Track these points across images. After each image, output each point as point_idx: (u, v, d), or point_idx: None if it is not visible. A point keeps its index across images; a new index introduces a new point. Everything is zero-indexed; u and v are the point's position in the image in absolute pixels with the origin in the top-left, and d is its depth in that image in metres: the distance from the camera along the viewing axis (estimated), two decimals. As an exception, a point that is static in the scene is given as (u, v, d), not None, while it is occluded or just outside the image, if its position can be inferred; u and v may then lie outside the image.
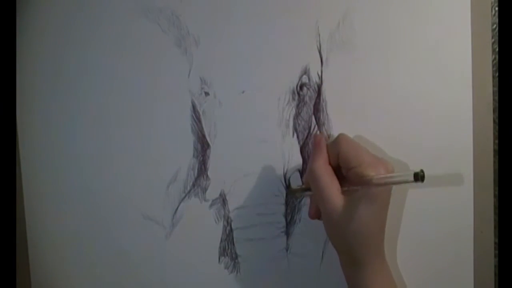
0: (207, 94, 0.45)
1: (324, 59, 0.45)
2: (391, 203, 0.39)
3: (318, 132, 0.45)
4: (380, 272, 0.39)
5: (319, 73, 0.45)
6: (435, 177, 0.44)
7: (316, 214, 0.42)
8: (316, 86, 0.45)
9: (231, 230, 0.46)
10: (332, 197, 0.38)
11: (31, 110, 0.47)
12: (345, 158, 0.39)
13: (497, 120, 0.44)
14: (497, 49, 0.43)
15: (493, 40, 0.44)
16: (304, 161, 0.46)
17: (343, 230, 0.38)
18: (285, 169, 0.45)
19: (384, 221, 0.39)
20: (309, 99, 0.45)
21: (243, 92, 0.45)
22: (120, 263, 0.47)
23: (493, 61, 0.44)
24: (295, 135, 0.45)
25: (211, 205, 0.46)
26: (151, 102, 0.46)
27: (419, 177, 0.33)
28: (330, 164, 0.40)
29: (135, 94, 0.46)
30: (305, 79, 0.45)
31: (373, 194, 0.37)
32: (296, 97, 0.45)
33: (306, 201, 0.46)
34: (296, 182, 0.45)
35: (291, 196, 0.45)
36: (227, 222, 0.46)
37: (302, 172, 0.46)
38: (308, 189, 0.42)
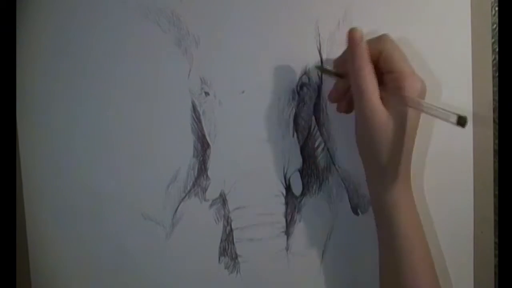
0: (207, 94, 0.45)
1: (324, 59, 0.45)
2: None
3: (316, 129, 0.45)
4: (407, 194, 0.38)
5: (319, 73, 0.45)
6: (435, 177, 0.44)
7: (336, 99, 0.42)
8: (316, 86, 0.45)
9: (231, 230, 0.46)
10: (375, 104, 0.36)
11: (31, 110, 0.47)
12: (388, 59, 0.37)
13: (497, 120, 0.44)
14: (497, 49, 0.43)
15: (493, 40, 0.44)
16: (304, 161, 0.46)
17: (380, 137, 0.37)
18: (285, 169, 0.45)
19: (413, 145, 0.38)
20: (309, 99, 0.45)
21: (243, 92, 0.45)
22: (120, 263, 0.47)
23: (493, 61, 0.44)
24: (295, 135, 0.45)
25: (211, 205, 0.46)
26: (151, 102, 0.46)
27: (462, 121, 0.31)
28: None
29: (135, 94, 0.46)
30: (305, 79, 0.45)
31: (407, 111, 0.36)
32: (296, 97, 0.45)
33: (306, 201, 0.46)
34: (296, 182, 0.45)
35: (318, 69, 0.44)
36: (227, 222, 0.46)
37: (302, 172, 0.46)
38: (339, 75, 0.40)
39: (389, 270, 0.39)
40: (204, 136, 0.46)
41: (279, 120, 0.45)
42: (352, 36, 0.38)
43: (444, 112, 0.33)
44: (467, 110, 0.44)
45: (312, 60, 0.45)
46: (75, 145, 0.47)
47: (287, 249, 0.46)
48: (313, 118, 0.46)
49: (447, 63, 0.44)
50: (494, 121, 0.44)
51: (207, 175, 0.46)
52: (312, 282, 0.46)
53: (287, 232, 0.46)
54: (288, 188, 0.45)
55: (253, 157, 0.45)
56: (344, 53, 0.41)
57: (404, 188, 0.39)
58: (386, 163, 0.37)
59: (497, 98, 0.43)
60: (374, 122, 0.37)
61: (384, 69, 0.38)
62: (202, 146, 0.46)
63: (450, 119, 0.32)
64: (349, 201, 0.46)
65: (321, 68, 0.44)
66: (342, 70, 0.41)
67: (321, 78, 0.45)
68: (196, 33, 0.45)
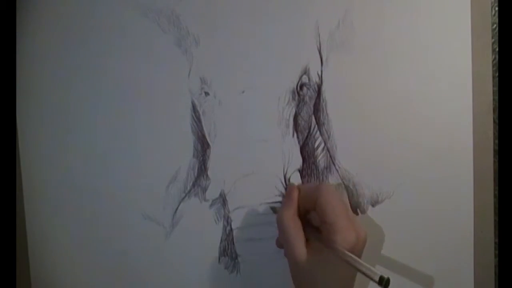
0: (207, 94, 0.45)
1: (324, 59, 0.45)
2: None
3: (317, 130, 0.45)
4: None
5: (319, 73, 0.45)
6: (435, 177, 0.44)
7: (281, 245, 0.43)
8: (316, 86, 0.45)
9: (231, 230, 0.46)
10: (297, 250, 0.38)
11: (31, 110, 0.47)
12: (321, 209, 0.38)
13: (497, 120, 0.44)
14: (497, 49, 0.43)
15: (493, 40, 0.44)
16: (304, 161, 0.46)
17: (303, 279, 0.38)
18: (285, 169, 0.45)
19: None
20: (309, 99, 0.45)
21: (243, 92, 0.45)
22: (120, 263, 0.47)
23: (493, 61, 0.44)
24: (295, 135, 0.45)
25: (211, 205, 0.46)
26: (151, 102, 0.46)
27: (383, 282, 0.33)
28: (301, 210, 0.41)
29: (135, 94, 0.46)
30: (305, 79, 0.45)
31: (335, 262, 0.37)
32: (296, 97, 0.45)
33: (306, 201, 0.46)
34: (296, 182, 0.45)
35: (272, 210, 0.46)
36: (227, 222, 0.46)
37: (302, 172, 0.46)
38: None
39: None
40: (204, 136, 0.46)
41: (279, 120, 0.45)
42: (288, 188, 0.43)
43: (369, 271, 0.34)
44: (467, 110, 0.44)
45: (312, 60, 0.45)
46: (75, 145, 0.47)
47: (287, 249, 0.46)
48: (313, 118, 0.46)
49: (447, 63, 0.44)
50: (494, 121, 0.44)
51: (207, 175, 0.46)
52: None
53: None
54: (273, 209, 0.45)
55: (253, 157, 0.45)
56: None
57: None
58: None
59: (497, 98, 0.43)
60: (295, 269, 0.39)
61: (319, 217, 0.39)
62: (202, 146, 0.46)
63: (374, 277, 0.33)
64: (349, 201, 0.46)
65: (274, 210, 0.45)
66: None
67: (321, 78, 0.45)
68: (196, 33, 0.45)
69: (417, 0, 0.44)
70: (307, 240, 0.39)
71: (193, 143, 0.46)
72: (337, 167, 0.46)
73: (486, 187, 0.44)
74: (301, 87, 0.45)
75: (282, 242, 0.41)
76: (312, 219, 0.41)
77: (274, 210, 0.45)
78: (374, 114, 0.45)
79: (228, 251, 0.46)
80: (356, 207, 0.46)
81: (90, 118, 0.47)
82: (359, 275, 0.36)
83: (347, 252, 0.36)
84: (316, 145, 0.46)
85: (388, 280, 0.33)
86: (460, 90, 0.44)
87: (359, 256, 0.37)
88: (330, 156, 0.46)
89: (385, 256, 0.45)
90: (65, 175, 0.47)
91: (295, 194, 0.41)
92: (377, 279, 0.33)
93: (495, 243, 0.44)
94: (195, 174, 0.46)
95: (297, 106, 0.45)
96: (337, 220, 0.37)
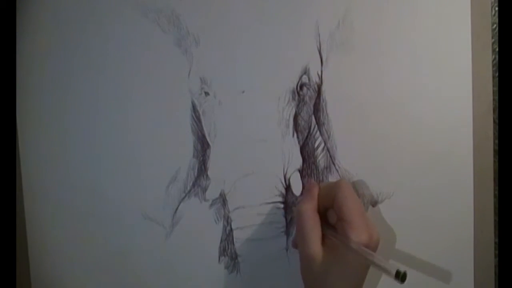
0: (207, 94, 0.45)
1: (324, 59, 0.45)
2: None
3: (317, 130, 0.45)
4: None
5: (319, 73, 0.45)
6: (435, 177, 0.44)
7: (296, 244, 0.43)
8: (316, 86, 0.45)
9: (231, 230, 0.46)
10: (313, 246, 0.38)
11: (31, 110, 0.47)
12: (339, 206, 0.38)
13: (497, 120, 0.44)
14: (497, 49, 0.43)
15: (493, 40, 0.44)
16: (304, 161, 0.46)
17: (315, 279, 0.38)
18: (285, 169, 0.45)
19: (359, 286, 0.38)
20: (309, 99, 0.45)
21: (243, 92, 0.45)
22: (120, 263, 0.47)
23: (493, 61, 0.44)
24: (295, 135, 0.45)
25: (211, 205, 0.46)
26: (151, 102, 0.46)
27: (399, 276, 0.33)
28: (319, 207, 0.41)
29: (135, 94, 0.46)
30: (305, 79, 0.45)
31: (350, 260, 0.37)
32: (296, 97, 0.45)
33: (306, 201, 0.46)
34: (296, 182, 0.45)
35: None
36: (227, 222, 0.46)
37: (302, 172, 0.46)
38: None
39: None
40: (204, 136, 0.46)
41: (279, 120, 0.45)
42: (307, 183, 0.44)
43: (386, 265, 0.34)
44: (467, 110, 0.44)
45: (312, 60, 0.45)
46: (75, 145, 0.47)
47: (287, 249, 0.46)
48: (313, 118, 0.46)
49: (447, 63, 0.44)
50: (494, 121, 0.44)
51: (207, 175, 0.46)
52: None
53: (287, 232, 0.46)
54: (288, 188, 0.45)
55: (253, 157, 0.45)
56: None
57: None
58: None
59: (497, 98, 0.43)
60: (308, 265, 0.38)
61: (337, 215, 0.39)
62: (202, 146, 0.46)
63: (391, 271, 0.34)
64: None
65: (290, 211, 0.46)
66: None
67: (321, 78, 0.45)
68: (196, 33, 0.45)
69: (417, 0, 0.44)
70: (323, 237, 0.39)
71: (193, 143, 0.46)
72: (337, 167, 0.46)
73: (486, 187, 0.44)
74: (301, 87, 0.45)
75: (298, 237, 0.40)
76: (329, 217, 0.41)
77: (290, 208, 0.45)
78: (374, 114, 0.45)
79: (228, 251, 0.46)
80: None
81: (90, 118, 0.47)
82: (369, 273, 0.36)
83: (363, 248, 0.36)
84: (316, 145, 0.46)
85: (405, 274, 0.33)
86: (460, 90, 0.44)
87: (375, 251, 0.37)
88: (330, 156, 0.46)
89: (384, 256, 0.45)
90: (65, 175, 0.47)
91: (316, 190, 0.41)
92: (393, 273, 0.33)
93: (495, 243, 0.44)
94: (195, 174, 0.46)
95: (297, 106, 0.45)
96: (353, 218, 0.37)
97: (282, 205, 0.45)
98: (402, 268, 0.33)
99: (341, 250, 0.37)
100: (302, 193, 0.44)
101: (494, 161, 0.44)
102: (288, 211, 0.46)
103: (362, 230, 0.37)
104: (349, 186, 0.40)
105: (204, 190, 0.46)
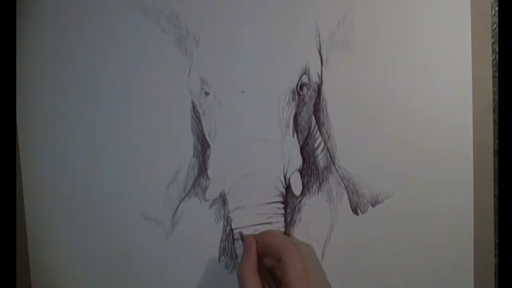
0: (207, 94, 0.45)
1: (324, 59, 0.45)
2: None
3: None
4: None
5: (319, 73, 0.45)
6: (435, 177, 0.44)
7: None
8: (316, 86, 0.45)
9: (231, 230, 0.46)
10: None
11: (31, 110, 0.47)
12: (282, 270, 0.39)
13: (497, 120, 0.44)
14: (497, 49, 0.43)
15: (493, 40, 0.44)
16: (304, 161, 0.46)
17: None
18: (285, 169, 0.45)
19: None
20: (309, 99, 0.45)
21: (243, 92, 0.45)
22: (120, 263, 0.47)
23: (493, 61, 0.44)
24: (295, 135, 0.45)
25: (211, 205, 0.46)
26: (151, 102, 0.46)
27: None
28: (259, 262, 0.41)
29: (135, 94, 0.46)
30: (305, 79, 0.45)
31: None
32: (296, 97, 0.45)
33: (306, 201, 0.46)
34: (296, 182, 0.45)
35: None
36: (227, 222, 0.46)
37: (302, 172, 0.46)
38: None
39: None
40: (204, 136, 0.46)
41: (279, 120, 0.45)
42: (245, 241, 0.43)
43: None
44: (467, 110, 0.44)
45: (312, 60, 0.45)
46: (75, 145, 0.47)
47: (287, 249, 0.46)
48: (313, 118, 0.46)
49: (447, 63, 0.44)
50: (494, 121, 0.44)
51: (207, 175, 0.46)
52: (312, 282, 0.46)
53: (287, 232, 0.46)
54: (288, 188, 0.45)
55: (253, 157, 0.45)
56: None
57: None
58: None
59: (497, 98, 0.43)
60: None
61: (280, 276, 0.40)
62: (202, 146, 0.46)
63: None
64: (349, 201, 0.46)
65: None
66: None
67: (321, 78, 0.45)
68: (196, 33, 0.45)
69: (417, 0, 0.44)
70: None
71: (193, 143, 0.46)
72: (337, 167, 0.46)
73: (486, 187, 0.44)
74: (301, 87, 0.45)
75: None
76: (268, 264, 0.42)
77: (242, 236, 0.45)
78: (374, 114, 0.45)
79: (228, 251, 0.46)
80: (356, 207, 0.46)
81: (89, 118, 0.47)
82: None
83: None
84: (316, 145, 0.46)
85: None
86: (460, 90, 0.44)
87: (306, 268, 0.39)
88: (330, 156, 0.46)
89: (385, 256, 0.45)
90: (65, 175, 0.47)
91: (254, 248, 0.42)
92: None
93: (495, 243, 0.44)
94: (195, 174, 0.46)
95: (297, 106, 0.45)
96: (296, 284, 0.38)
97: (282, 205, 0.45)
98: None
99: None
100: (242, 252, 0.43)
101: (494, 161, 0.44)
102: (287, 209, 0.46)
103: (291, 251, 0.39)
104: (296, 251, 0.40)
105: (204, 190, 0.46)
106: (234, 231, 0.46)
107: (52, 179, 0.47)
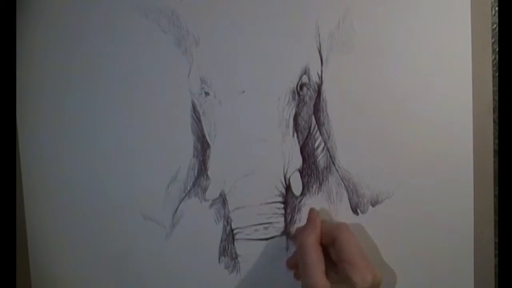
0: (207, 94, 0.45)
1: (324, 59, 0.45)
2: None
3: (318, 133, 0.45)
4: None
5: (319, 73, 0.45)
6: (435, 177, 0.44)
7: (292, 266, 0.43)
8: (316, 86, 0.45)
9: (231, 230, 0.46)
10: (318, 279, 0.38)
11: (31, 110, 0.47)
12: (339, 248, 0.39)
13: (497, 120, 0.44)
14: (497, 49, 0.43)
15: (493, 40, 0.44)
16: (304, 161, 0.46)
17: None
18: (285, 169, 0.45)
19: None
20: (309, 99, 0.45)
21: (243, 92, 0.45)
22: (120, 263, 0.47)
23: (493, 61, 0.44)
24: (295, 135, 0.45)
25: (211, 205, 0.46)
26: (151, 102, 0.46)
27: None
28: (321, 242, 0.41)
29: (135, 94, 0.46)
30: (305, 79, 0.45)
31: None
32: (296, 97, 0.45)
33: (306, 201, 0.46)
34: (296, 182, 0.45)
35: (289, 239, 0.46)
36: (227, 222, 0.46)
37: (302, 172, 0.46)
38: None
39: None
40: (204, 136, 0.46)
41: (279, 120, 0.45)
42: (309, 214, 0.43)
43: None
44: (467, 110, 0.44)
45: (312, 60, 0.45)
46: (75, 145, 0.47)
47: (287, 249, 0.46)
48: (313, 118, 0.46)
49: (447, 63, 0.44)
50: (494, 121, 0.44)
51: (207, 175, 0.46)
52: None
53: (287, 232, 0.46)
54: (288, 188, 0.45)
55: (253, 157, 0.45)
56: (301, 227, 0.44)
57: None
58: None
59: (497, 98, 0.43)
60: None
61: (336, 255, 0.39)
62: (202, 146, 0.46)
63: None
64: (349, 201, 0.46)
65: (290, 237, 0.45)
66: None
67: (321, 78, 0.45)
68: (196, 33, 0.45)
69: (417, 0, 0.44)
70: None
71: (193, 143, 0.46)
72: (337, 167, 0.46)
73: (486, 187, 0.44)
74: (301, 87, 0.45)
75: (302, 269, 0.39)
76: (330, 253, 0.41)
77: (290, 237, 0.45)
78: (374, 114, 0.45)
79: (228, 251, 0.46)
80: (356, 207, 0.46)
81: (90, 118, 0.47)
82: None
83: None
84: (316, 145, 0.46)
85: None
86: (460, 90, 0.44)
87: None
88: (330, 156, 0.46)
89: (384, 256, 0.45)
90: (65, 175, 0.47)
91: (319, 221, 0.42)
92: None
93: (495, 243, 0.44)
94: (195, 174, 0.46)
95: (297, 106, 0.45)
96: (356, 260, 0.38)
97: (282, 205, 0.45)
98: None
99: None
100: (305, 224, 0.43)
101: (494, 161, 0.44)
102: (287, 209, 0.46)
103: (367, 272, 0.37)
104: (350, 230, 0.40)
105: (204, 190, 0.46)
106: (235, 231, 0.46)
107: (52, 179, 0.47)
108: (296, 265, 0.43)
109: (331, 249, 0.40)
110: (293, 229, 0.46)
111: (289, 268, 0.45)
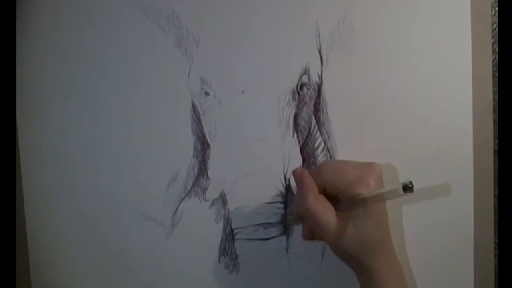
0: (207, 94, 0.45)
1: (324, 59, 0.45)
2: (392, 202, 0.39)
3: (317, 131, 0.45)
4: (391, 276, 0.39)
5: (319, 73, 0.45)
6: (435, 177, 0.44)
7: (309, 235, 0.42)
8: (316, 86, 0.45)
9: (231, 230, 0.46)
10: (332, 227, 0.38)
11: (31, 110, 0.47)
12: (332, 185, 0.39)
13: (497, 120, 0.44)
14: (497, 49, 0.43)
15: (493, 40, 0.44)
16: (304, 161, 0.46)
17: (350, 248, 0.38)
18: (285, 169, 0.45)
19: (386, 230, 0.39)
20: (309, 99, 0.45)
21: (243, 92, 0.45)
22: (120, 263, 0.47)
23: (493, 61, 0.44)
24: (295, 135, 0.45)
25: (211, 205, 0.46)
26: (151, 102, 0.46)
27: (407, 188, 0.34)
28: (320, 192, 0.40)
29: (135, 94, 0.46)
30: (305, 79, 0.45)
31: (368, 209, 0.37)
32: (296, 97, 0.45)
33: (306, 201, 0.46)
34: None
35: (289, 224, 0.45)
36: (227, 222, 0.46)
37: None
38: (302, 218, 0.41)
39: None
40: (204, 136, 0.46)
41: (279, 120, 0.45)
42: (295, 175, 0.41)
43: (393, 191, 0.35)
44: (467, 110, 0.44)
45: (312, 60, 0.45)
46: (75, 145, 0.47)
47: (287, 249, 0.46)
48: (313, 118, 0.46)
49: (447, 63, 0.44)
50: (494, 121, 0.44)
51: (207, 175, 0.46)
52: (312, 282, 0.46)
53: (287, 232, 0.46)
54: (288, 188, 0.45)
55: (253, 157, 0.45)
56: (295, 195, 0.43)
57: (388, 274, 0.38)
58: (364, 264, 0.38)
59: (497, 98, 0.43)
60: (338, 244, 0.38)
61: (334, 192, 0.39)
62: (202, 146, 0.46)
63: (399, 192, 0.35)
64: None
65: (289, 220, 0.45)
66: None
67: (321, 78, 0.45)
68: (196, 33, 0.45)
69: (417, 0, 0.44)
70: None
71: (193, 143, 0.46)
72: (337, 167, 0.46)
73: (486, 187, 0.44)
74: (301, 87, 0.45)
75: (316, 228, 0.39)
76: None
77: (289, 220, 0.44)
78: (374, 114, 0.45)
79: (228, 251, 0.46)
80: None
81: (89, 118, 0.47)
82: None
83: (370, 193, 0.36)
84: (316, 145, 0.46)
85: (411, 184, 0.34)
86: (460, 90, 0.44)
87: (382, 186, 0.38)
88: (330, 156, 0.46)
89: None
90: (65, 175, 0.47)
91: (307, 177, 0.40)
92: (401, 191, 0.34)
93: (495, 243, 0.44)
94: (195, 174, 0.46)
95: (297, 106, 0.45)
96: (350, 179, 0.37)
97: (282, 205, 0.45)
98: (405, 180, 0.34)
99: (356, 209, 0.37)
100: (296, 186, 0.42)
101: (494, 161, 0.44)
102: (288, 209, 0.46)
103: (365, 178, 0.37)
104: (328, 163, 0.40)
105: (204, 190, 0.46)
106: (235, 231, 0.46)
107: (52, 179, 0.47)
108: (311, 234, 0.42)
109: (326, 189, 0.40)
110: (293, 228, 0.46)
111: (306, 239, 0.43)
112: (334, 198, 0.39)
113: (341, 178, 0.38)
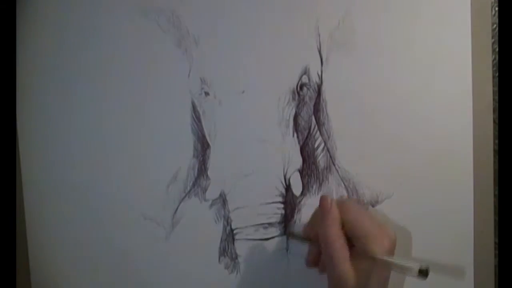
0: (207, 94, 0.45)
1: (324, 59, 0.45)
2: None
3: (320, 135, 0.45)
4: None
5: (319, 73, 0.45)
6: (435, 177, 0.44)
7: (314, 263, 0.42)
8: (316, 86, 0.45)
9: (231, 230, 0.46)
10: (344, 265, 0.38)
11: (31, 110, 0.47)
12: (350, 228, 0.39)
13: (497, 120, 0.44)
14: (497, 49, 0.43)
15: (493, 40, 0.44)
16: (304, 161, 0.46)
17: None
18: (285, 169, 0.45)
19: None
20: (309, 99, 0.45)
21: (243, 92, 0.45)
22: (120, 263, 0.47)
23: (493, 61, 0.44)
24: (295, 135, 0.45)
25: (211, 205, 0.46)
26: (151, 102, 0.46)
27: (423, 273, 0.35)
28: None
29: (135, 94, 0.46)
30: (305, 79, 0.45)
31: (380, 271, 0.37)
32: (296, 97, 0.45)
33: (306, 201, 0.46)
34: (296, 182, 0.45)
35: (290, 238, 0.46)
36: (227, 222, 0.46)
37: (302, 172, 0.46)
38: (311, 240, 0.42)
39: None
40: (204, 136, 0.46)
41: (279, 120, 0.45)
42: (322, 204, 0.40)
43: (409, 268, 0.36)
44: (467, 110, 0.44)
45: (312, 60, 0.45)
46: (75, 145, 0.47)
47: (287, 249, 0.46)
48: (313, 118, 0.46)
49: (447, 63, 0.44)
50: (494, 121, 0.44)
51: (207, 175, 0.46)
52: (312, 282, 0.46)
53: (287, 233, 0.46)
54: (288, 188, 0.45)
55: (253, 157, 0.45)
56: (313, 218, 0.43)
57: None
58: None
59: (497, 98, 0.43)
60: (342, 284, 0.38)
61: (350, 235, 0.39)
62: (202, 146, 0.46)
63: (413, 272, 0.35)
64: (349, 201, 0.46)
65: (293, 235, 0.45)
66: (313, 234, 0.42)
67: (321, 78, 0.45)
68: (196, 33, 0.45)
69: (417, 0, 0.44)
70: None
71: (193, 143, 0.46)
72: (337, 167, 0.46)
73: (486, 187, 0.44)
74: (301, 87, 0.45)
75: (328, 259, 0.39)
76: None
77: (293, 235, 0.45)
78: (374, 114, 0.45)
79: (228, 251, 0.46)
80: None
81: (90, 118, 0.47)
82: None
83: (386, 258, 0.37)
84: (316, 145, 0.46)
85: (427, 270, 0.35)
86: (460, 90, 0.44)
87: (393, 255, 0.38)
88: (330, 156, 0.46)
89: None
90: (65, 175, 0.47)
91: (335, 208, 0.40)
92: (416, 273, 0.35)
93: (495, 243, 0.44)
94: (195, 174, 0.46)
95: (297, 106, 0.45)
96: (369, 232, 0.38)
97: (282, 205, 0.45)
98: (423, 265, 0.35)
99: (365, 263, 0.37)
100: (321, 214, 0.41)
101: (494, 161, 0.44)
102: (287, 210, 0.46)
103: (382, 238, 0.37)
104: (353, 204, 0.40)
105: (204, 190, 0.46)
106: (235, 231, 0.46)
107: (52, 180, 0.47)
108: (317, 262, 0.42)
109: (344, 229, 0.40)
110: (293, 229, 0.46)
111: (310, 267, 0.44)
112: (347, 236, 0.39)
113: (361, 225, 0.38)
